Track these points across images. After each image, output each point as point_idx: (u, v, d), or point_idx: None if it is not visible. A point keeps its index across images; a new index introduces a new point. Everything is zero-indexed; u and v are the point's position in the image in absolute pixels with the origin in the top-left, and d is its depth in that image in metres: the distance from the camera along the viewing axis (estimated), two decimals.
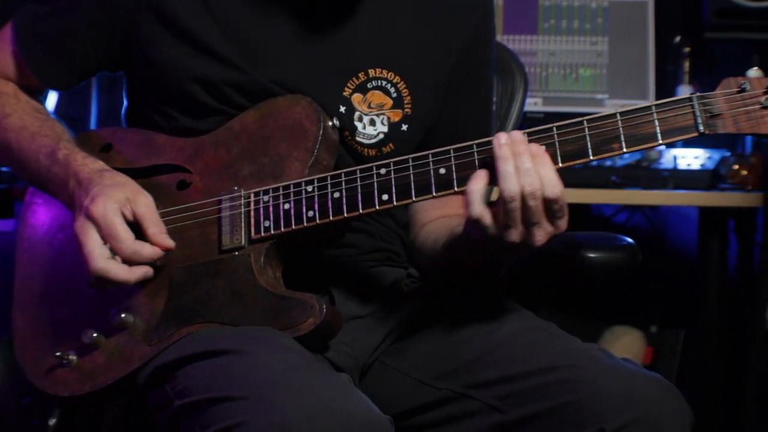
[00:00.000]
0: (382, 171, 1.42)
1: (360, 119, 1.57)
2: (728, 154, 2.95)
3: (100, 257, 1.43)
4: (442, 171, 1.39)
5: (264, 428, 1.23)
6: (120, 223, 1.44)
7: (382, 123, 1.58)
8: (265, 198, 1.47)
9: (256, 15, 1.55)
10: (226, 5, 1.54)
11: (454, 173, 1.40)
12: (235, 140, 1.53)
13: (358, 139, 1.57)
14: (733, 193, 2.87)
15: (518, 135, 1.36)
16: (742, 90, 1.31)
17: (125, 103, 1.70)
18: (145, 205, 1.47)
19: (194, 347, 1.40)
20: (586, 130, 1.35)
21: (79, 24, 1.59)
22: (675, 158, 2.94)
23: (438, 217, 1.64)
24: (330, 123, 1.52)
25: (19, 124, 1.60)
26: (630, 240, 1.83)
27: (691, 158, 2.95)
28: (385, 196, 1.42)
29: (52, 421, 1.90)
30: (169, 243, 1.47)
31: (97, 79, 3.01)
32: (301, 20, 1.55)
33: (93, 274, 1.43)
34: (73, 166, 1.52)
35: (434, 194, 1.41)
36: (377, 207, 1.42)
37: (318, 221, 1.44)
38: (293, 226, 1.45)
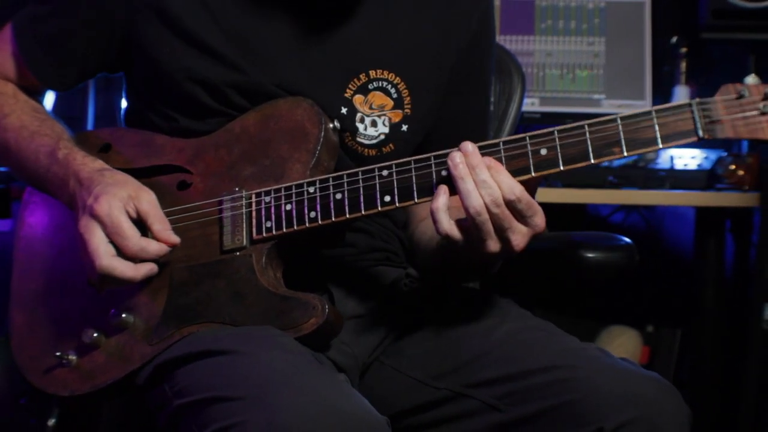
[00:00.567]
0: (384, 172, 1.43)
1: (362, 120, 1.57)
2: (725, 154, 2.95)
3: (105, 255, 1.43)
4: (444, 173, 1.40)
5: (262, 428, 1.23)
6: (125, 221, 1.44)
7: (384, 124, 1.58)
8: (267, 199, 1.47)
9: (257, 16, 1.55)
10: (227, 6, 1.54)
11: None
12: (236, 142, 1.52)
13: (359, 140, 1.57)
14: (730, 193, 2.88)
15: (470, 147, 1.37)
16: (741, 96, 1.33)
17: (125, 104, 1.69)
18: (148, 202, 1.46)
19: (194, 347, 1.40)
20: (588, 134, 1.36)
21: (79, 24, 1.59)
22: (672, 158, 2.95)
23: None
24: (331, 125, 1.52)
25: (18, 124, 1.60)
26: (628, 240, 1.83)
27: (687, 158, 2.95)
28: (387, 198, 1.42)
29: (51, 422, 1.90)
30: (175, 239, 1.46)
31: (94, 79, 2.99)
32: (302, 21, 1.55)
33: (98, 271, 1.43)
34: (73, 166, 1.51)
35: None
36: (379, 208, 1.42)
37: (320, 222, 1.44)
38: (295, 227, 1.45)
